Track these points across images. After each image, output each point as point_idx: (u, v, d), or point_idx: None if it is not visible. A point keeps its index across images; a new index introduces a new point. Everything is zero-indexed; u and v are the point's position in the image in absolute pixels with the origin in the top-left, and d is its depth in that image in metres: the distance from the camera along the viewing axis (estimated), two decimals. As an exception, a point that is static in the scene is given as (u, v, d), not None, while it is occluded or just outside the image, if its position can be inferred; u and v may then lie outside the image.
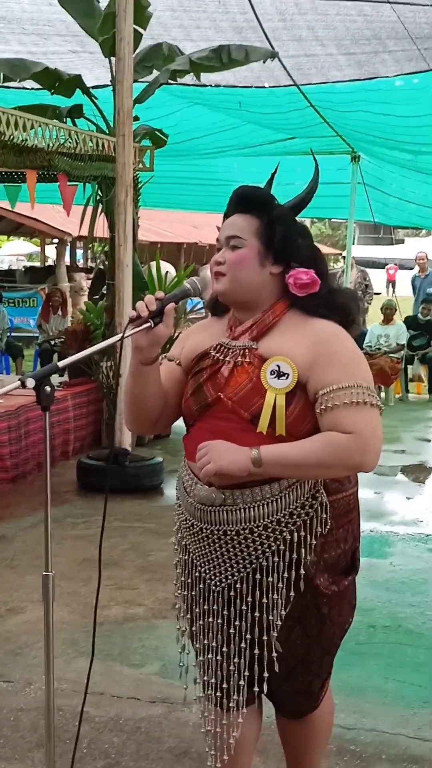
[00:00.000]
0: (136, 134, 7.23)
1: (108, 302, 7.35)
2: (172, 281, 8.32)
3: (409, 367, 11.06)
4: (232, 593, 2.10)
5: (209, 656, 2.17)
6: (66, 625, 3.85)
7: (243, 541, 2.07)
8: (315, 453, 1.99)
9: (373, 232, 33.36)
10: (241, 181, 2.35)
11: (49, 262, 20.41)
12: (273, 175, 2.30)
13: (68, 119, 7.56)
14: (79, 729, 2.47)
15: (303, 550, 2.07)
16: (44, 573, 2.11)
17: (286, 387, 2.02)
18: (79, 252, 20.93)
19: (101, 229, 7.31)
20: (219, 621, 2.13)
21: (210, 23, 7.84)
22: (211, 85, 8.77)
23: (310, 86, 8.56)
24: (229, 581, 2.10)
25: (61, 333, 9.63)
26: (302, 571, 2.07)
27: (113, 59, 6.88)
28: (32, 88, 8.61)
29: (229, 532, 2.07)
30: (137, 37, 6.89)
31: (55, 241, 17.33)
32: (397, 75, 8.33)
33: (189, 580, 2.20)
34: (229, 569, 2.10)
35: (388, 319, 10.97)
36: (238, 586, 2.09)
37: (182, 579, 2.23)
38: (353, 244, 12.79)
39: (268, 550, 2.07)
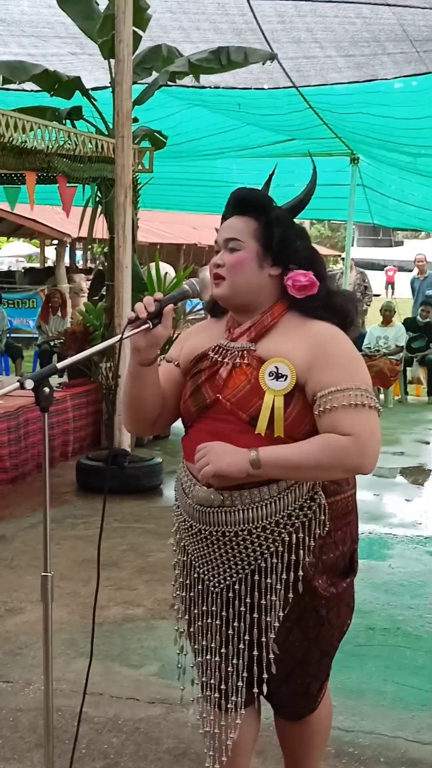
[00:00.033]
0: (135, 136, 7.24)
1: (107, 303, 7.35)
2: (171, 282, 8.32)
3: (408, 369, 11.06)
4: (230, 594, 2.10)
5: (208, 657, 2.17)
6: (65, 626, 3.85)
7: (241, 543, 2.07)
8: (313, 455, 1.99)
9: (372, 234, 33.36)
10: (240, 183, 2.36)
11: (49, 264, 20.42)
12: (270, 176, 2.31)
13: (67, 121, 7.57)
14: (77, 729, 2.47)
15: (301, 552, 2.07)
16: (43, 573, 2.11)
17: (285, 389, 2.02)
18: (79, 253, 20.93)
19: (100, 230, 7.31)
20: (217, 622, 2.13)
21: (209, 25, 7.85)
22: (210, 87, 8.78)
23: (309, 88, 8.57)
24: (227, 582, 2.11)
25: (61, 334, 9.64)
26: (301, 573, 2.08)
27: (112, 61, 6.89)
28: (32, 90, 8.63)
29: (227, 534, 2.08)
30: (136, 39, 6.90)
31: (55, 242, 17.32)
32: (396, 77, 8.34)
33: (188, 581, 2.20)
34: (228, 570, 2.10)
35: (387, 320, 10.98)
36: (236, 587, 2.10)
37: (181, 580, 2.23)
38: (352, 245, 12.80)
39: (266, 551, 2.07)
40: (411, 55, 7.68)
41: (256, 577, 2.08)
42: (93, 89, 7.97)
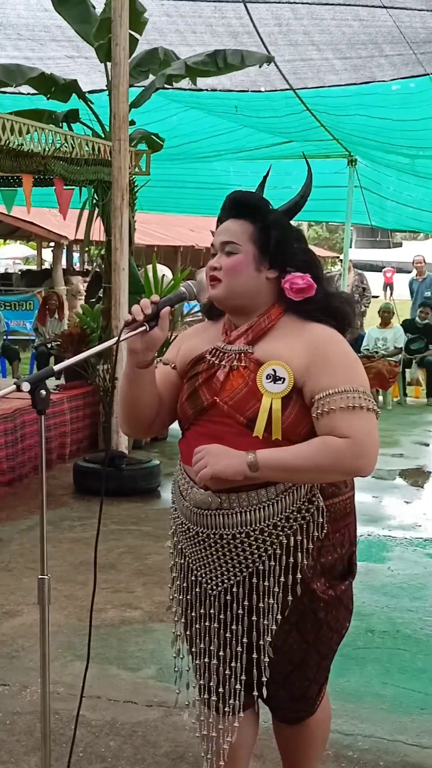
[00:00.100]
0: (132, 138, 7.24)
1: (104, 305, 7.35)
2: (169, 284, 8.33)
3: (407, 370, 11.06)
4: (228, 597, 2.10)
5: (205, 660, 2.16)
6: (62, 629, 3.84)
7: (239, 545, 2.07)
8: (311, 457, 1.99)
9: (370, 236, 33.34)
10: (237, 185, 2.36)
11: (46, 266, 20.40)
12: (265, 178, 2.30)
13: (64, 124, 7.57)
14: (75, 733, 2.47)
15: (300, 555, 2.07)
16: (40, 576, 2.11)
17: (282, 391, 2.02)
18: (76, 255, 20.93)
19: (97, 232, 7.31)
20: (215, 625, 2.13)
21: (206, 28, 7.85)
22: (207, 90, 8.78)
23: (307, 90, 8.58)
24: (225, 585, 2.10)
25: (58, 336, 9.64)
26: (299, 576, 2.07)
27: (109, 64, 6.89)
28: (28, 93, 8.63)
29: (225, 536, 2.07)
30: (133, 42, 6.90)
31: (52, 244, 17.31)
32: (393, 79, 8.35)
33: (185, 584, 2.19)
34: (226, 573, 2.09)
35: (385, 322, 10.98)
36: (234, 590, 2.09)
37: (178, 583, 2.23)
38: (350, 247, 12.80)
39: (264, 554, 2.07)
40: (408, 57, 7.68)
41: (254, 580, 2.08)
42: (90, 92, 7.97)
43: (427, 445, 8.63)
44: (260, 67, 7.40)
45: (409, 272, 16.09)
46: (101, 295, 7.85)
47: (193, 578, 2.16)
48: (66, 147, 6.52)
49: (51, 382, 7.02)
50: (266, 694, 2.13)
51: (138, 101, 7.51)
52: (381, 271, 27.05)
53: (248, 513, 2.05)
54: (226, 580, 2.10)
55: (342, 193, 11.26)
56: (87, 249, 9.28)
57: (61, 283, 14.80)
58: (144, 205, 8.84)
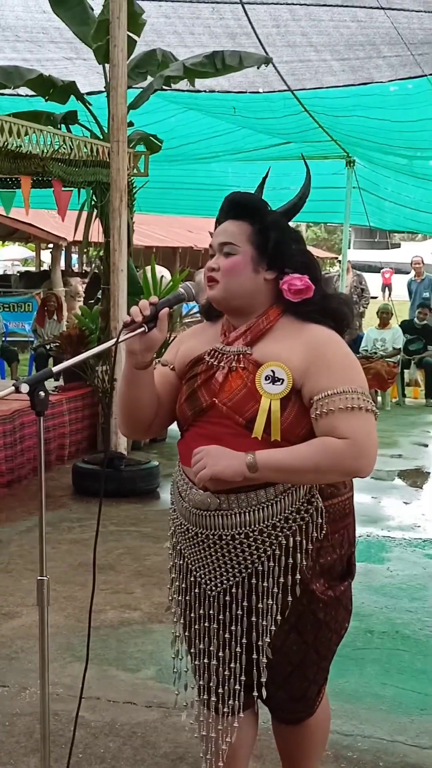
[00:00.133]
0: (130, 140, 7.24)
1: (103, 307, 7.36)
2: (167, 286, 8.32)
3: (405, 371, 11.06)
4: (227, 598, 2.10)
5: (205, 661, 2.16)
6: (61, 630, 3.84)
7: (238, 546, 2.07)
8: (310, 458, 1.99)
9: (368, 237, 33.34)
10: (236, 186, 2.36)
11: (44, 267, 20.40)
12: (264, 180, 2.31)
13: (63, 125, 7.57)
14: (74, 734, 2.47)
15: (299, 555, 2.07)
16: (39, 577, 2.11)
17: (281, 392, 2.02)
18: (74, 257, 20.92)
19: (96, 233, 7.32)
20: (214, 626, 2.13)
21: (204, 29, 7.86)
22: (205, 91, 8.79)
23: (305, 91, 8.58)
24: (224, 586, 2.10)
25: (57, 337, 9.65)
26: (298, 576, 2.07)
27: (107, 66, 6.89)
28: (27, 95, 8.63)
29: (224, 537, 2.07)
30: (131, 44, 6.90)
31: (50, 246, 17.31)
32: (391, 80, 8.36)
33: (184, 585, 2.19)
34: (225, 574, 2.10)
35: (384, 323, 10.98)
36: (233, 590, 2.09)
37: (177, 583, 2.23)
38: (349, 248, 12.80)
39: (263, 554, 2.07)
40: (406, 58, 7.69)
41: (253, 581, 2.08)
42: (88, 94, 7.98)
43: (426, 445, 8.64)
44: (258, 68, 7.41)
45: (408, 273, 16.09)
46: (100, 297, 7.85)
47: (192, 579, 2.16)
48: (64, 148, 6.52)
49: (50, 384, 7.02)
50: (266, 695, 2.13)
51: (136, 103, 7.52)
52: (379, 272, 27.03)
53: (247, 514, 2.05)
54: (225, 581, 2.10)
55: (340, 194, 11.27)
56: (86, 250, 9.28)
57: (59, 285, 14.81)
58: (142, 207, 8.85)
